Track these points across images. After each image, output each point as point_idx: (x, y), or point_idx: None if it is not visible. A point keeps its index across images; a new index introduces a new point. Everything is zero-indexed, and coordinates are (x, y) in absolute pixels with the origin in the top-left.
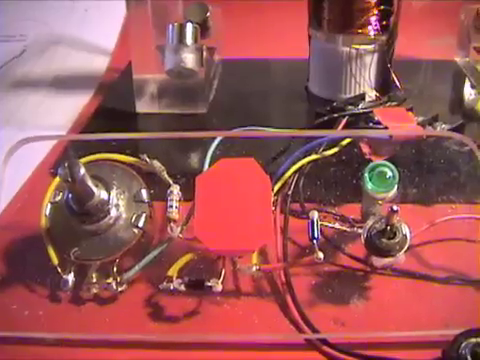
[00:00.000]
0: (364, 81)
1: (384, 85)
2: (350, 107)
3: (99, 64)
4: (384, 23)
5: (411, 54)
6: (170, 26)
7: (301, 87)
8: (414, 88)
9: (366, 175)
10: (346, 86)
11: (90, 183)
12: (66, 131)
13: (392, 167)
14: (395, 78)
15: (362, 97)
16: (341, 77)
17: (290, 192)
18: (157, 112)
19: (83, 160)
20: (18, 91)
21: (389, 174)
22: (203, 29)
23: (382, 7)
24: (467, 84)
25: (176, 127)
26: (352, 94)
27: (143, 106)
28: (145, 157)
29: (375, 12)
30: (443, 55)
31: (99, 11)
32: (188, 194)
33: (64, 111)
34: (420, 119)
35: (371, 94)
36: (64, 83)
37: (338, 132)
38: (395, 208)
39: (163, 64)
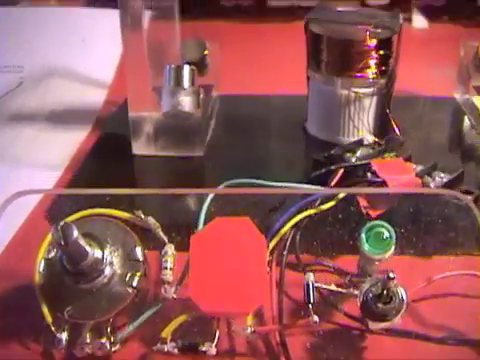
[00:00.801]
0: (362, 124)
1: (382, 127)
2: (348, 155)
3: (97, 97)
4: (383, 68)
5: (409, 87)
6: (167, 68)
7: (299, 126)
8: (412, 128)
9: (363, 236)
10: (344, 129)
11: (83, 243)
12: (62, 169)
13: (389, 228)
14: (393, 123)
15: (360, 142)
16: (339, 120)
17: (286, 248)
18: (153, 154)
19: (76, 215)
20: (13, 124)
21: (386, 235)
22: (200, 66)
23: (381, 52)
24: (467, 123)
25: (172, 171)
26: (350, 137)
27: (139, 148)
28: (140, 213)
29: (374, 56)
30: (442, 88)
31: (97, 41)
32: (182, 245)
33: (61, 147)
34: (419, 169)
35: (369, 138)
36: (61, 117)
37: (334, 190)
38: (392, 275)
39: (160, 105)
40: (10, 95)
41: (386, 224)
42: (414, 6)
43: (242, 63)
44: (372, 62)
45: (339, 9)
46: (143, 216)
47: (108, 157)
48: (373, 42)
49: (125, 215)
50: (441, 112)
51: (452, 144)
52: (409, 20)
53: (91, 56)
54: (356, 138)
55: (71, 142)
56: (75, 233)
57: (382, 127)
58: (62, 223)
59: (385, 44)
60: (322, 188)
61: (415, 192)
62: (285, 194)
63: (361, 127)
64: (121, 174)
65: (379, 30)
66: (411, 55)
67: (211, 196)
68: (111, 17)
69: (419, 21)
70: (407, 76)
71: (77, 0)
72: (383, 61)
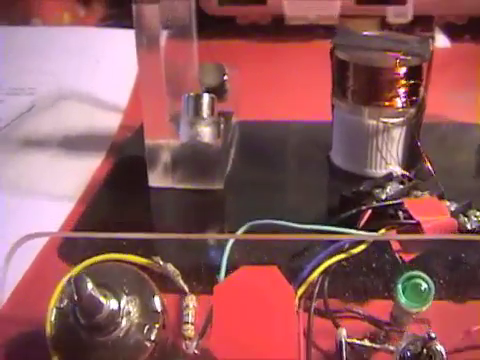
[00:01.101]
0: (391, 156)
1: (411, 158)
2: (377, 191)
3: (111, 121)
4: (413, 96)
5: (434, 111)
6: (185, 97)
7: (322, 155)
8: (440, 158)
9: (399, 287)
10: (371, 160)
11: (98, 295)
12: (75, 201)
13: (428, 279)
14: (424, 157)
15: (389, 177)
16: (366, 151)
17: (315, 295)
18: (170, 186)
19: (90, 261)
20: (25, 151)
21: (424, 287)
22: (220, 91)
23: (412, 81)
24: None
25: (191, 205)
26: (378, 169)
27: (156, 179)
28: (158, 259)
29: (404, 84)
30: (469, 113)
31: (112, 62)
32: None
33: (74, 176)
34: (453, 207)
35: (398, 171)
36: (74, 143)
37: (366, 236)
38: (433, 335)
39: (177, 134)
40: (21, 119)
41: (424, 275)
42: (436, 25)
43: (261, 85)
44: (401, 91)
45: (365, 33)
46: (162, 262)
47: (123, 188)
48: (403, 70)
49: (142, 261)
50: (470, 140)
51: None
52: (431, 39)
53: (105, 78)
54: (384, 171)
55: (85, 170)
56: (89, 286)
57: (411, 158)
58: (74, 275)
59: (415, 72)
60: (352, 231)
61: (454, 238)
62: (314, 240)
63: (389, 159)
64: (137, 208)
65: (409, 57)
66: (434, 76)
67: (231, 242)
68: (126, 37)
69: (441, 41)
70: (431, 99)
71: (91, 18)
72: (413, 89)
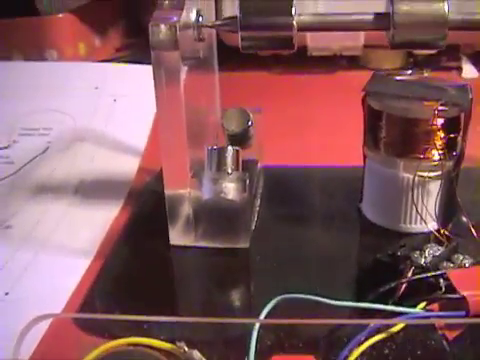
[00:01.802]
0: (427, 211)
1: (448, 214)
2: (416, 255)
3: (129, 164)
4: (451, 148)
5: (469, 152)
6: (208, 150)
7: (352, 206)
8: (477, 209)
9: None
10: (406, 215)
11: None
12: (92, 256)
13: None
14: (465, 218)
15: (427, 239)
16: (400, 205)
17: None
18: (192, 245)
19: (111, 344)
20: (40, 198)
21: None
22: (243, 139)
23: (450, 132)
24: None
25: (215, 266)
26: (413, 224)
27: (177, 236)
28: (183, 345)
29: (441, 136)
30: None
31: (129, 100)
32: None
33: (91, 226)
34: None
35: (435, 228)
36: (91, 189)
37: (408, 320)
38: None
39: (200, 188)
40: (36, 161)
41: None
42: (463, 55)
43: (284, 121)
44: (439, 143)
45: (398, 78)
46: (187, 349)
47: (142, 244)
48: (440, 121)
49: (166, 346)
50: None
51: None
52: (458, 69)
53: (123, 117)
54: (419, 227)
55: (102, 221)
56: None
57: (449, 213)
58: None
59: (453, 123)
60: (390, 308)
61: None
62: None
63: (425, 214)
64: (157, 267)
65: (447, 108)
66: None
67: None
68: (144, 73)
69: (469, 71)
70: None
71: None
72: (451, 141)
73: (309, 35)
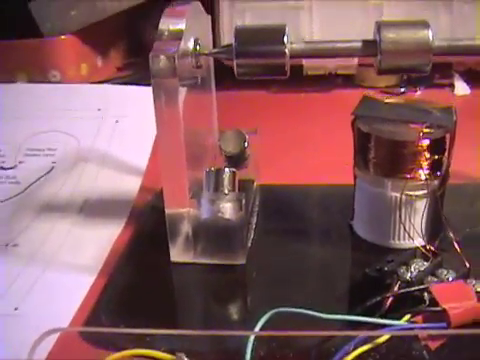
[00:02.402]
0: (414, 228)
1: (435, 230)
2: (402, 270)
3: (131, 183)
4: (436, 168)
5: (458, 168)
6: (206, 172)
7: (344, 223)
8: (464, 224)
9: None
10: (394, 232)
11: None
12: (96, 273)
13: None
14: (450, 233)
15: (413, 252)
16: (389, 223)
17: None
18: (192, 261)
19: (116, 355)
20: (46, 216)
21: None
22: (240, 159)
23: (435, 154)
24: None
25: (213, 281)
26: (401, 241)
27: (177, 253)
28: (183, 356)
29: (427, 156)
30: None
31: (131, 121)
32: None
33: (95, 244)
34: (479, 287)
35: (422, 244)
36: (94, 208)
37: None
38: None
39: (199, 209)
40: (42, 181)
41: None
42: (455, 72)
43: (280, 140)
44: (425, 163)
45: (387, 102)
46: (186, 359)
47: (144, 261)
48: (426, 142)
49: (167, 357)
50: None
51: None
52: (451, 86)
53: (125, 138)
54: (407, 243)
55: (105, 239)
56: None
57: (435, 230)
58: None
59: (439, 144)
60: (376, 321)
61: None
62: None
63: (412, 231)
64: (159, 283)
65: (432, 130)
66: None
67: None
68: (145, 95)
69: (461, 88)
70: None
71: (109, 68)
72: (436, 161)
73: None
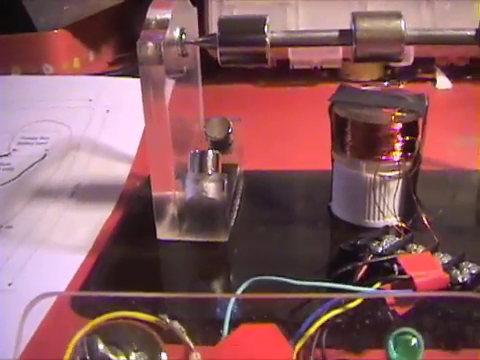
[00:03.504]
0: (388, 208)
1: (408, 210)
2: (374, 244)
3: (121, 170)
4: (409, 151)
5: (434, 157)
6: (191, 154)
7: (323, 205)
8: (438, 206)
9: (390, 342)
10: (370, 212)
11: (108, 353)
12: (86, 253)
13: (417, 335)
14: (420, 211)
15: (387, 229)
16: (364, 203)
17: (312, 350)
18: (177, 239)
19: (101, 319)
20: (39, 201)
21: (414, 342)
22: (224, 145)
23: (407, 135)
24: None
25: (197, 257)
26: (376, 220)
27: (164, 232)
28: (165, 317)
29: (400, 139)
30: (470, 159)
31: (120, 111)
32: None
33: (85, 227)
34: (446, 260)
35: (395, 223)
36: (85, 193)
37: (360, 294)
38: None
39: (184, 190)
40: (35, 168)
41: (414, 331)
42: (437, 67)
43: (266, 130)
44: (398, 145)
45: (363, 89)
46: (168, 320)
47: (132, 240)
48: (398, 126)
49: (151, 318)
50: (470, 186)
51: None
52: (433, 81)
53: (115, 127)
54: (382, 222)
55: (96, 222)
56: (100, 346)
57: (408, 210)
58: (86, 336)
59: (411, 127)
60: (347, 287)
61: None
62: (311, 298)
63: (386, 211)
64: (146, 260)
65: (404, 114)
66: (435, 119)
67: (233, 300)
68: (135, 86)
69: (443, 83)
70: (431, 143)
71: (101, 62)
72: (409, 144)
73: (291, 49)
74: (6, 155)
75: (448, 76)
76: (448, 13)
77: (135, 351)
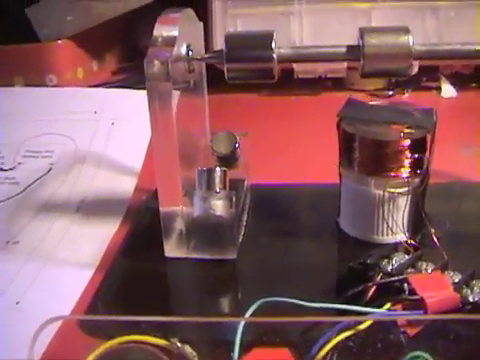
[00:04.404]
0: (396, 224)
1: (417, 226)
2: (384, 263)
3: (127, 183)
4: (417, 166)
5: (440, 167)
6: (198, 171)
7: (331, 220)
8: (446, 219)
9: None
10: (378, 228)
11: None
12: (93, 270)
13: (429, 358)
14: (428, 225)
15: (395, 247)
16: (373, 219)
17: None
18: (185, 256)
19: (111, 343)
20: (44, 215)
21: None
22: (231, 160)
23: (416, 152)
24: None
25: (206, 275)
26: (385, 236)
27: (171, 249)
28: (176, 341)
29: (408, 155)
30: (476, 169)
31: (126, 123)
32: None
33: (91, 243)
34: (456, 279)
35: (404, 239)
36: (91, 207)
37: (371, 316)
38: None
39: (192, 208)
40: (40, 182)
41: (427, 355)
42: (443, 76)
43: (271, 142)
44: (406, 162)
45: (371, 104)
46: (179, 344)
47: (140, 257)
48: (407, 142)
49: (161, 342)
50: (476, 198)
51: None
52: (437, 89)
53: (120, 140)
54: (390, 238)
55: (102, 237)
56: None
57: (417, 226)
58: None
59: (419, 144)
60: (358, 309)
61: (452, 318)
62: (321, 322)
63: (395, 227)
64: (154, 278)
65: (413, 130)
66: (440, 128)
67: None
68: (140, 98)
69: (448, 91)
70: (438, 154)
71: (105, 72)
72: (417, 160)
73: None
74: (11, 169)
75: (453, 84)
76: (453, 21)
77: None
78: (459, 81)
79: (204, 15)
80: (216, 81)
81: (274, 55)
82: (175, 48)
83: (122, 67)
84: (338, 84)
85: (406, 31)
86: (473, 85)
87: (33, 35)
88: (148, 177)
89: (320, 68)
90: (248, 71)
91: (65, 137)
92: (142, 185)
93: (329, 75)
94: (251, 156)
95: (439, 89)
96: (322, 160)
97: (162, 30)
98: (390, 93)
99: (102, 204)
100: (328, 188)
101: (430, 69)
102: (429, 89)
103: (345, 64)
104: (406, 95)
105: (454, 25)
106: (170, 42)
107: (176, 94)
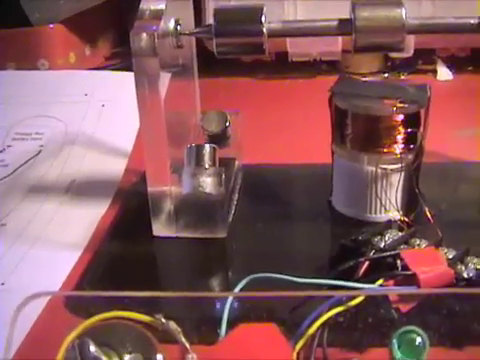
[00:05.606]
0: (390, 202)
1: (410, 203)
2: (376, 239)
3: (117, 165)
4: (411, 143)
5: (435, 149)
6: (187, 148)
7: (324, 199)
8: (440, 200)
9: (394, 342)
10: (371, 206)
11: (101, 356)
12: (81, 250)
13: (422, 333)
14: (421, 201)
15: (389, 224)
16: (366, 197)
17: (314, 349)
18: (174, 235)
19: (94, 319)
20: (33, 197)
21: (419, 341)
22: (222, 138)
23: (409, 128)
24: None
25: (195, 254)
26: (377, 214)
27: (160, 228)
28: (161, 317)
29: (401, 131)
30: (471, 150)
31: (117, 106)
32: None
33: (80, 224)
34: (450, 255)
35: (397, 217)
36: (80, 189)
37: (362, 290)
38: None
39: (180, 184)
40: (30, 164)
41: (419, 330)
42: (438, 58)
43: (265, 124)
44: (399, 137)
45: (364, 80)
46: (164, 320)
47: (128, 237)
48: (400, 117)
49: (145, 318)
50: (473, 179)
51: None
52: (433, 72)
53: (111, 122)
54: (384, 216)
55: (91, 218)
56: (92, 349)
57: (411, 202)
58: (78, 340)
59: (412, 119)
60: (349, 284)
61: (444, 293)
62: (311, 296)
63: (388, 204)
64: (142, 257)
65: (406, 105)
66: (436, 110)
67: (230, 300)
68: (131, 80)
69: (444, 74)
70: (433, 135)
71: (97, 57)
72: (411, 136)
73: (289, 41)
74: (1, 151)
75: (449, 67)
76: (449, 5)
77: (129, 353)
78: (455, 64)
79: None
80: (209, 65)
81: (264, 29)
82: (162, 22)
83: (115, 52)
84: (333, 67)
85: (399, 4)
86: (469, 68)
87: (25, 19)
88: (139, 159)
89: (314, 51)
90: (237, 46)
91: (55, 119)
92: (132, 167)
93: (324, 58)
94: (244, 137)
95: (435, 72)
96: (315, 141)
97: (149, 4)
98: (385, 76)
99: (91, 186)
100: (320, 168)
101: (426, 52)
102: (425, 72)
103: (340, 47)
104: (402, 78)
105: (450, 10)
106: (157, 15)
107: (166, 76)
